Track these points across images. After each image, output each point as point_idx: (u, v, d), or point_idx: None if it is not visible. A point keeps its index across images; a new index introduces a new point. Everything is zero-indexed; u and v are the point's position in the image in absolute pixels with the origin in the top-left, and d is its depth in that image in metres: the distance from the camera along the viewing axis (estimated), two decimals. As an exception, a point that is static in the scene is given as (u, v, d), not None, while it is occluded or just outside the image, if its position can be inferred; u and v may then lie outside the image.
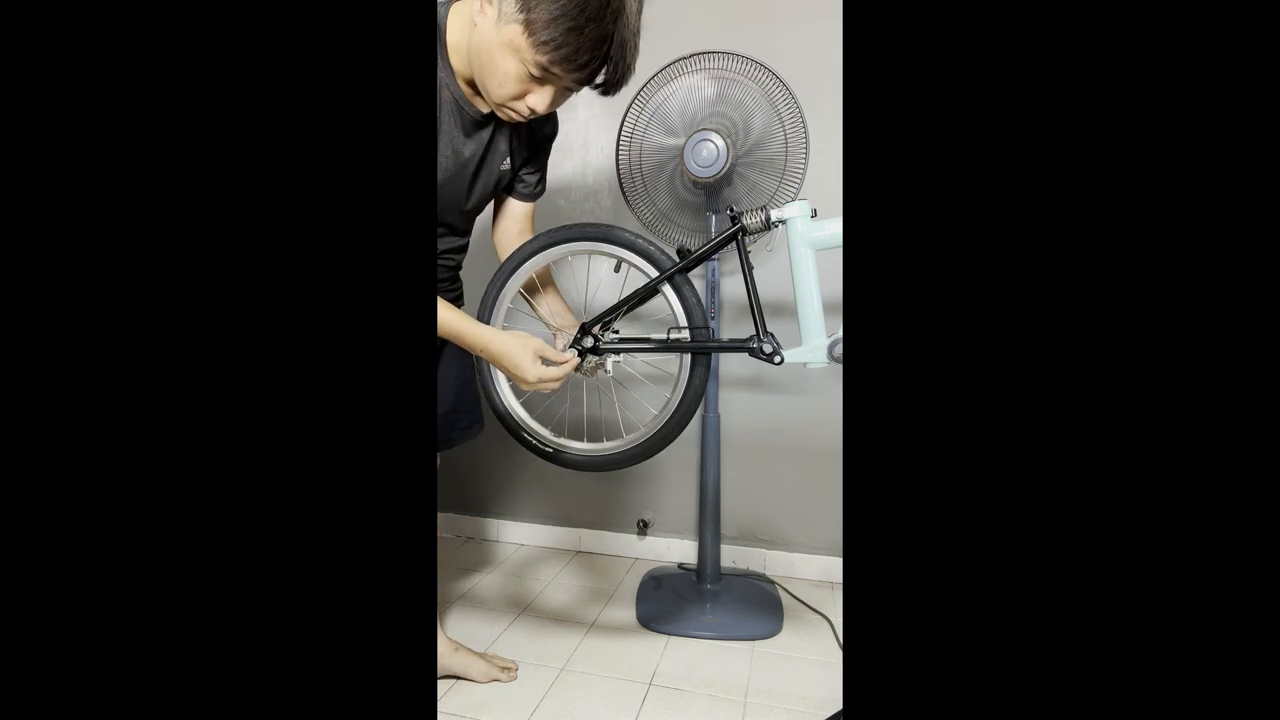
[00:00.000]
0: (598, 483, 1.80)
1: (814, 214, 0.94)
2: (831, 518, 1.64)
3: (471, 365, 1.12)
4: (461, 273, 1.15)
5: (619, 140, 1.40)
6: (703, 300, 1.08)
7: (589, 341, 1.01)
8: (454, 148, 0.94)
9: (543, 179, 1.12)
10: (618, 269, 1.00)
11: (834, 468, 1.61)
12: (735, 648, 1.36)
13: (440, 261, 1.06)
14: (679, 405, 1.00)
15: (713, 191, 1.38)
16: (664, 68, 1.35)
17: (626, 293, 1.02)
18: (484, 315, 1.02)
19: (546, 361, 0.94)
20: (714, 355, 1.05)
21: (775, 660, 1.32)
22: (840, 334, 0.93)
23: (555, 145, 1.11)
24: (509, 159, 1.02)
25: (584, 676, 1.26)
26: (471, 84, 0.91)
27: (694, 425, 1.50)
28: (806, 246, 0.93)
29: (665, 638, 1.39)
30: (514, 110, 0.88)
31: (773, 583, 1.60)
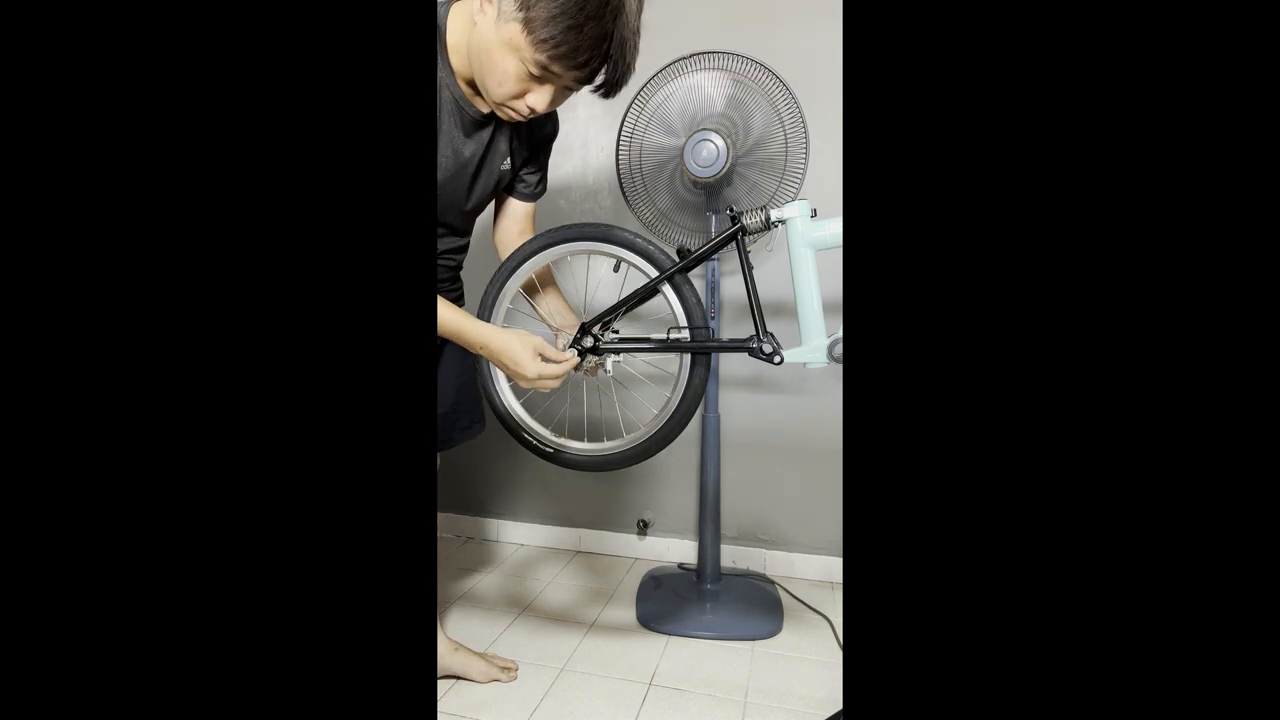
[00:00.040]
0: (598, 483, 1.80)
1: (814, 214, 0.94)
2: (831, 518, 1.64)
3: (472, 365, 1.12)
4: (462, 273, 1.15)
5: (619, 140, 1.40)
6: (703, 300, 1.08)
7: (589, 341, 1.01)
8: (454, 148, 0.94)
9: (543, 179, 1.12)
10: (617, 268, 1.00)
11: (834, 468, 1.61)
12: (735, 648, 1.36)
13: (440, 261, 1.06)
14: (679, 405, 1.00)
15: (713, 191, 1.38)
16: (664, 68, 1.35)
17: (626, 293, 1.02)
18: (484, 315, 1.02)
19: (546, 359, 0.94)
20: (714, 355, 1.05)
21: (775, 660, 1.32)
22: (840, 334, 0.93)
23: (555, 145, 1.11)
24: (509, 159, 1.02)
25: (584, 676, 1.26)
26: (472, 84, 0.91)
27: (694, 425, 1.50)
28: (806, 246, 0.93)
29: (665, 638, 1.39)
30: (513, 110, 0.88)
31: (773, 583, 1.60)
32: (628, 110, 1.38)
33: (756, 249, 1.54)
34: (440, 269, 1.07)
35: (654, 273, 0.98)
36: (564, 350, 1.00)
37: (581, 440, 1.06)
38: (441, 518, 1.91)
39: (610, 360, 1.02)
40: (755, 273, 1.02)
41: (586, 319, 1.03)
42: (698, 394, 0.99)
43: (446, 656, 1.22)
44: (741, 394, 1.65)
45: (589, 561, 1.77)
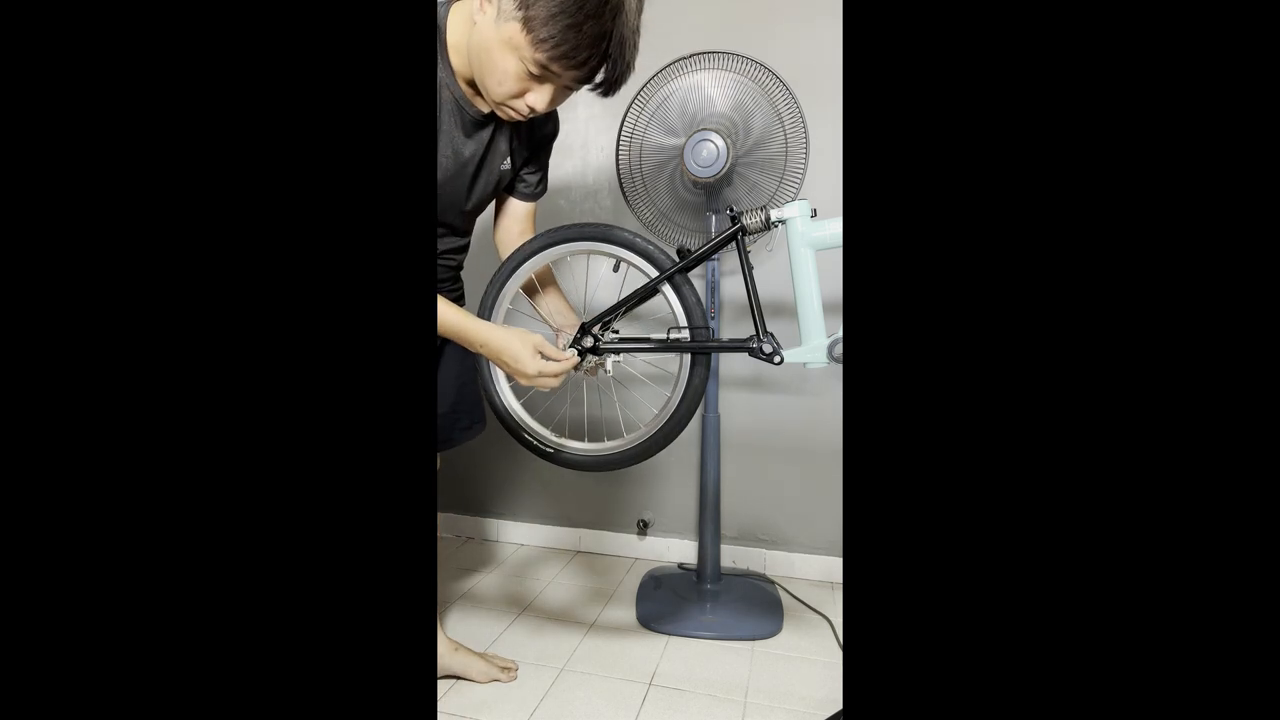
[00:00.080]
0: (598, 483, 1.80)
1: (814, 214, 0.94)
2: (831, 518, 1.64)
3: (472, 365, 1.12)
4: (462, 273, 1.15)
5: (619, 140, 1.40)
6: (702, 300, 1.08)
7: (589, 341, 1.01)
8: (454, 148, 0.94)
9: (544, 179, 1.12)
10: (616, 268, 1.00)
11: (834, 468, 1.61)
12: (735, 648, 1.36)
13: (441, 261, 1.06)
14: (679, 405, 1.00)
15: (713, 191, 1.38)
16: (664, 67, 1.35)
17: (626, 293, 1.02)
18: (484, 315, 1.02)
19: (546, 357, 0.94)
20: (714, 355, 1.05)
21: (775, 660, 1.32)
22: (840, 334, 0.93)
23: (555, 145, 1.11)
24: (509, 159, 1.02)
25: (584, 676, 1.26)
26: (472, 84, 0.91)
27: (694, 425, 1.50)
28: (806, 246, 0.93)
29: (665, 638, 1.39)
30: (513, 109, 0.88)
31: (773, 583, 1.60)
32: (628, 110, 1.38)
33: (756, 249, 1.54)
34: (441, 269, 1.07)
35: (654, 273, 0.98)
36: (564, 350, 1.00)
37: (582, 440, 1.06)
38: (441, 518, 1.91)
39: (610, 360, 1.02)
40: (755, 273, 1.02)
41: (586, 319, 1.03)
42: (698, 394, 0.99)
43: (446, 656, 1.22)
44: (741, 394, 1.65)
45: (589, 561, 1.77)
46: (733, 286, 1.60)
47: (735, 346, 0.97)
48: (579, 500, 1.83)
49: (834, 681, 1.25)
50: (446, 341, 1.07)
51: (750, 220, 0.96)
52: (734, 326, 1.63)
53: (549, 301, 1.11)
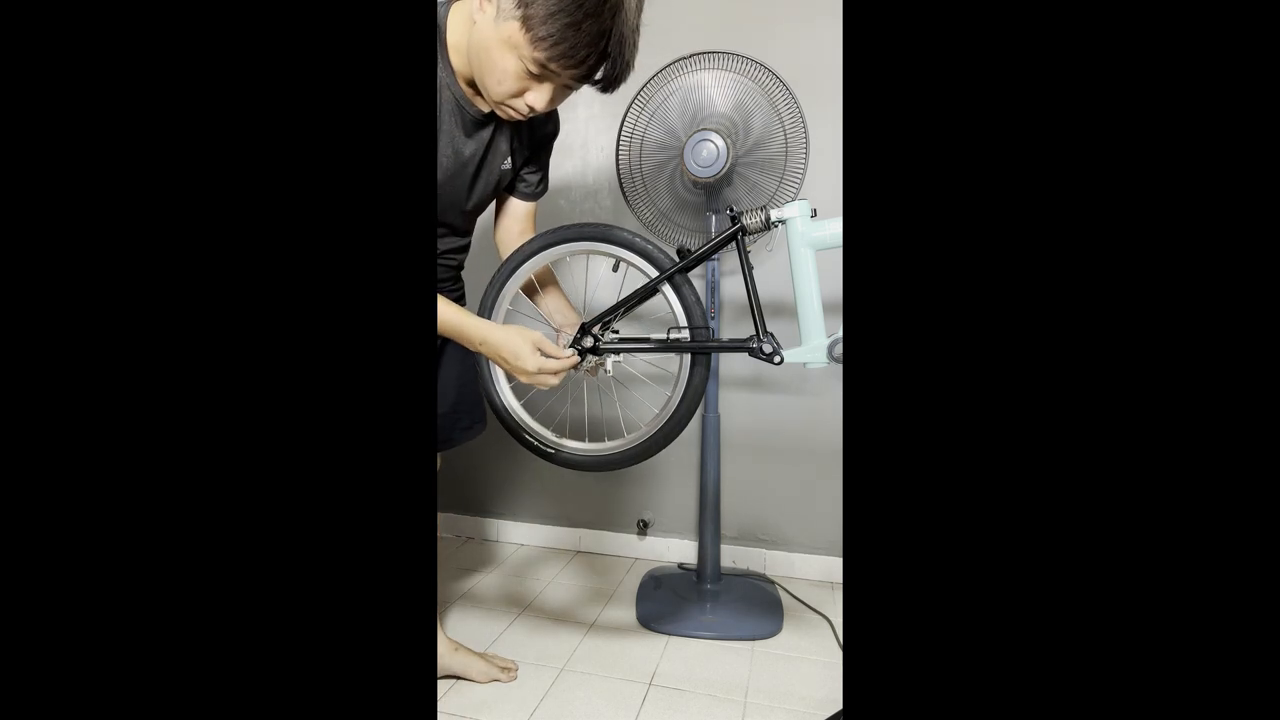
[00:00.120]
0: (598, 483, 1.80)
1: (814, 214, 0.94)
2: (831, 518, 1.64)
3: (473, 365, 1.12)
4: (463, 273, 1.15)
5: (619, 140, 1.40)
6: (702, 300, 1.08)
7: (589, 341, 1.01)
8: (454, 147, 0.94)
9: (545, 178, 1.12)
10: (616, 268, 1.00)
11: (834, 468, 1.61)
12: (735, 648, 1.36)
13: (441, 261, 1.06)
14: (679, 405, 1.00)
15: (713, 191, 1.38)
16: (664, 67, 1.35)
17: (625, 293, 1.02)
18: (484, 315, 1.02)
19: (546, 354, 0.94)
20: (714, 355, 1.05)
21: (775, 660, 1.32)
22: (840, 334, 0.93)
23: (555, 145, 1.11)
24: (510, 158, 1.02)
25: (584, 676, 1.26)
26: (472, 84, 0.91)
27: (694, 425, 1.50)
28: (806, 246, 0.93)
29: (665, 638, 1.39)
30: (513, 108, 0.88)
31: (773, 583, 1.60)
32: (628, 110, 1.38)
33: (756, 249, 1.54)
34: (441, 269, 1.07)
35: (654, 273, 0.98)
36: (564, 349, 1.00)
37: (582, 440, 1.06)
38: (441, 518, 1.91)
39: (610, 360, 1.02)
40: (755, 273, 1.02)
41: (586, 319, 1.03)
42: (698, 394, 0.99)
43: (446, 656, 1.22)
44: (741, 394, 1.65)
45: (589, 561, 1.77)
46: (733, 286, 1.60)
47: (735, 346, 0.97)
48: (579, 500, 1.83)
49: (834, 681, 1.25)
50: (447, 341, 1.07)
51: (750, 220, 0.96)
52: (734, 326, 1.63)
53: (550, 301, 1.11)
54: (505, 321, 1.03)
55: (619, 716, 1.15)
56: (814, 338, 0.94)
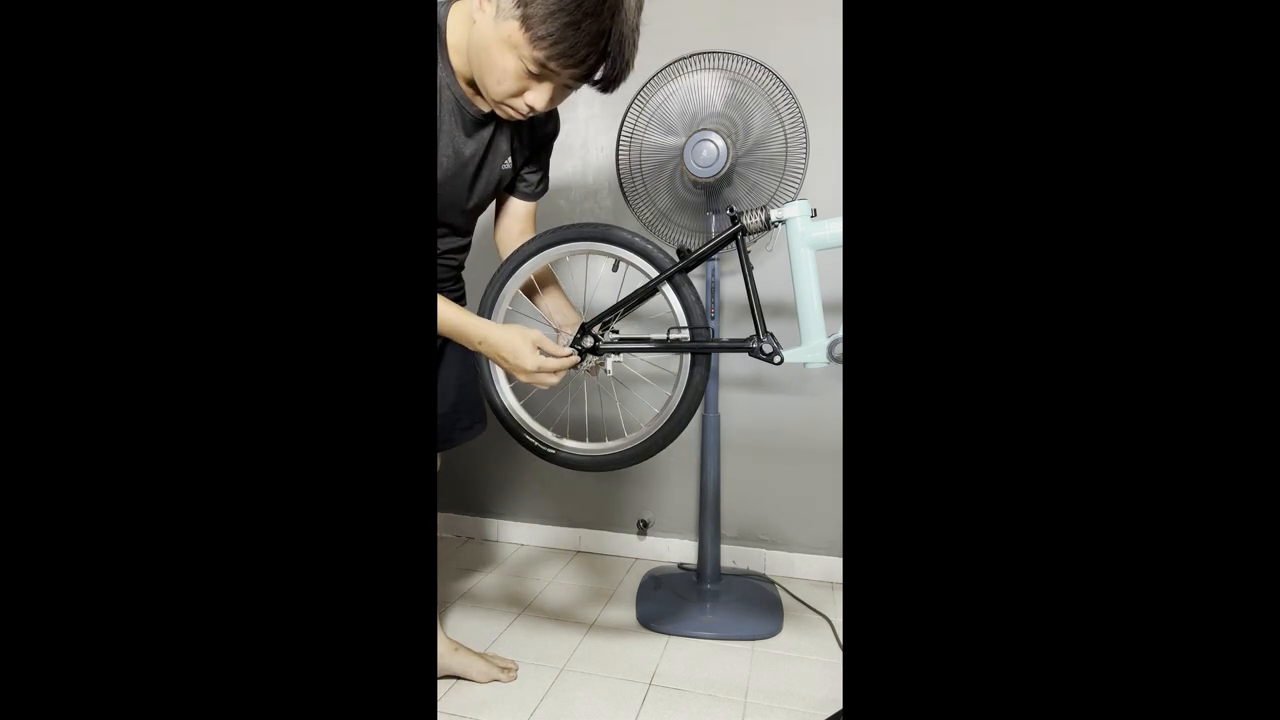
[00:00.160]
0: (598, 483, 1.80)
1: (814, 214, 0.94)
2: (831, 518, 1.64)
3: (473, 365, 1.12)
4: (463, 273, 1.15)
5: (619, 140, 1.40)
6: (702, 300, 1.08)
7: (589, 341, 1.01)
8: (455, 147, 0.94)
9: (545, 178, 1.12)
10: (615, 268, 1.00)
11: (834, 468, 1.61)
12: (735, 648, 1.36)
13: (442, 261, 1.06)
14: (679, 405, 1.00)
15: (713, 191, 1.38)
16: (664, 67, 1.35)
17: (625, 293, 1.02)
18: (484, 315, 1.02)
19: (545, 353, 0.94)
20: (714, 355, 1.05)
21: (775, 660, 1.32)
22: (840, 334, 0.93)
23: (555, 145, 1.11)
24: (510, 158, 1.02)
25: (584, 676, 1.26)
26: (472, 83, 0.91)
27: (694, 425, 1.50)
28: (806, 246, 0.93)
29: (665, 638, 1.39)
30: (513, 108, 0.88)
31: (773, 583, 1.60)
32: (628, 110, 1.38)
33: (756, 249, 1.54)
34: (441, 269, 1.07)
35: (654, 273, 0.98)
36: (564, 349, 1.00)
37: (582, 440, 1.06)
38: (441, 518, 1.91)
39: (610, 360, 1.02)
40: (755, 273, 1.02)
41: (587, 319, 1.03)
42: (698, 394, 0.99)
43: (446, 656, 1.22)
44: (741, 394, 1.65)
45: (589, 561, 1.77)
46: (733, 286, 1.60)
47: (735, 346, 0.97)
48: (579, 500, 1.83)
49: (834, 681, 1.25)
50: (447, 341, 1.07)
51: (750, 220, 0.96)
52: (734, 326, 1.63)
53: (550, 301, 1.11)
54: (505, 321, 1.03)
55: (619, 716, 1.15)
56: (814, 338, 0.94)
